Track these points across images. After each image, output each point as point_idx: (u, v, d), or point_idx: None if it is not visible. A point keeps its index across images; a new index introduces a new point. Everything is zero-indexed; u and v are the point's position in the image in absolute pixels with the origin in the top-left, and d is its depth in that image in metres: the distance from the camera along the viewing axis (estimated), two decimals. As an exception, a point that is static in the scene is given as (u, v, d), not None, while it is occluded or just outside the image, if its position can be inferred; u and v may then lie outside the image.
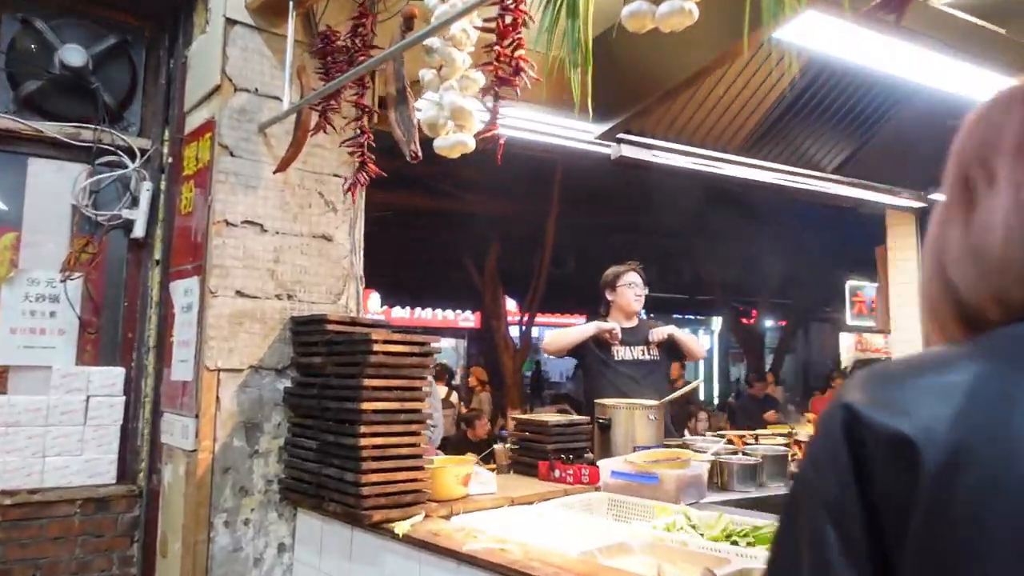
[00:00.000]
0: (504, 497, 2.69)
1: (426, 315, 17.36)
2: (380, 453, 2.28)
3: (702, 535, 2.29)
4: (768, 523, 2.32)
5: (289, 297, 2.69)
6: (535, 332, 13.36)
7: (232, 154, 2.62)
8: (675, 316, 20.39)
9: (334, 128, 2.53)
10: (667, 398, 3.47)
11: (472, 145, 1.86)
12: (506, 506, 2.63)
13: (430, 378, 2.45)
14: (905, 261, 5.39)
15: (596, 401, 3.46)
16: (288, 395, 2.65)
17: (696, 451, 3.29)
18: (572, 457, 3.13)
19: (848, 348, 21.86)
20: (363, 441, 2.25)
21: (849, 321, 20.83)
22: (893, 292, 5.49)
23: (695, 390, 10.85)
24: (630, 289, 4.07)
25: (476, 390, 10.02)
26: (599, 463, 2.91)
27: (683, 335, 4.19)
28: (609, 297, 4.13)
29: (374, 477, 2.25)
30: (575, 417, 3.37)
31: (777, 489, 3.10)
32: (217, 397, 2.53)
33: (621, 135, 3.41)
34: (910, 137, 4.13)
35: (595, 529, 2.38)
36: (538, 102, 3.31)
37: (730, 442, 3.40)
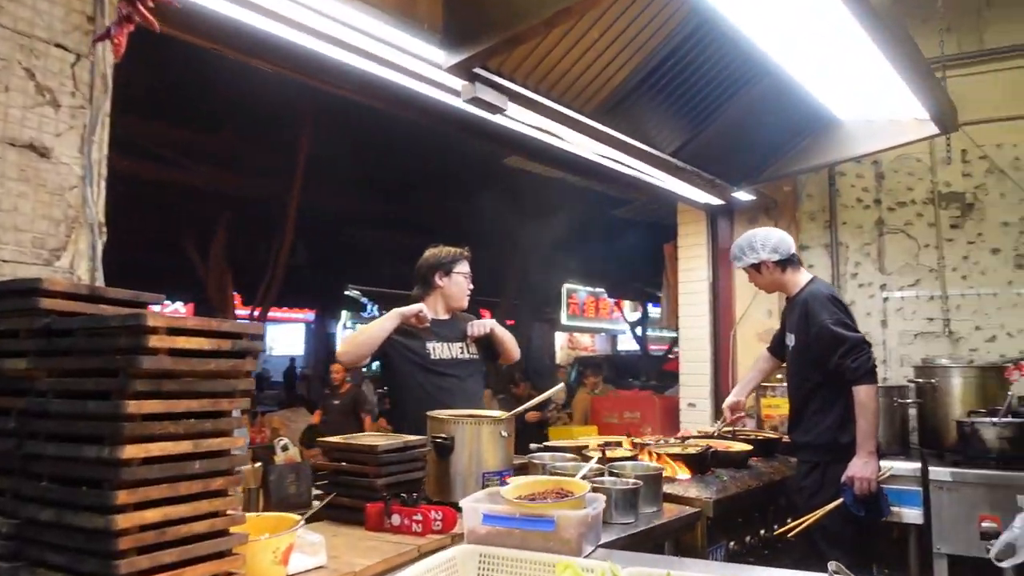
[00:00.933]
0: (343, 574, 1.76)
1: (124, 305, 14.56)
2: (156, 538, 1.23)
3: (653, 609, 1.62)
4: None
5: (-46, 249, 1.46)
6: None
7: None
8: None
9: (73, -65, 1.38)
10: (525, 406, 2.76)
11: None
12: (351, 588, 1.71)
13: (244, 399, 1.44)
14: (695, 259, 5.36)
15: (430, 414, 2.63)
16: (-54, 430, 1.42)
17: (556, 474, 2.64)
18: (415, 496, 2.28)
19: (561, 346, 23.43)
20: (121, 519, 1.18)
21: (564, 321, 22.36)
22: (682, 289, 5.44)
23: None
24: (465, 280, 3.34)
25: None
26: (462, 504, 2.10)
27: (503, 332, 3.52)
28: (439, 283, 3.33)
29: (143, 584, 1.20)
30: (409, 438, 2.50)
31: (653, 518, 2.56)
32: None
33: (478, 70, 2.63)
34: (737, 131, 3.95)
35: (502, 617, 1.59)
36: (374, 5, 2.40)
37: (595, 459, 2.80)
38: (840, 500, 2.91)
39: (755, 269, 3.29)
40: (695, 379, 5.24)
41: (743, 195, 4.72)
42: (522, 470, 2.85)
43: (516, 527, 2.02)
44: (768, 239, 3.24)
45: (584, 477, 2.52)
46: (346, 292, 18.12)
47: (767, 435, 3.71)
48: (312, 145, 9.78)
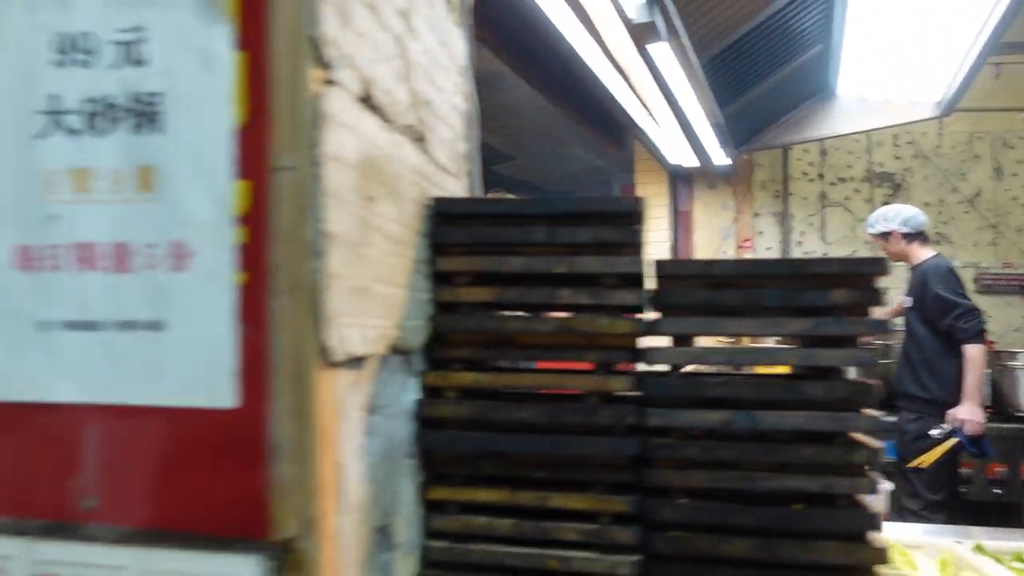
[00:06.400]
0: None
1: None
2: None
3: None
4: None
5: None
6: None
7: None
8: None
9: None
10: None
11: None
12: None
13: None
14: (656, 220, 5.39)
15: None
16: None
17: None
18: None
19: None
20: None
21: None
22: (641, 251, 5.45)
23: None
24: None
25: None
26: None
27: None
28: None
29: None
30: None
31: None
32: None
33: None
34: (768, 96, 3.99)
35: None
36: None
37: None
38: (956, 440, 3.20)
39: (883, 237, 3.52)
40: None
41: (724, 159, 4.81)
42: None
43: None
44: (899, 213, 3.53)
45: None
46: None
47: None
48: None
